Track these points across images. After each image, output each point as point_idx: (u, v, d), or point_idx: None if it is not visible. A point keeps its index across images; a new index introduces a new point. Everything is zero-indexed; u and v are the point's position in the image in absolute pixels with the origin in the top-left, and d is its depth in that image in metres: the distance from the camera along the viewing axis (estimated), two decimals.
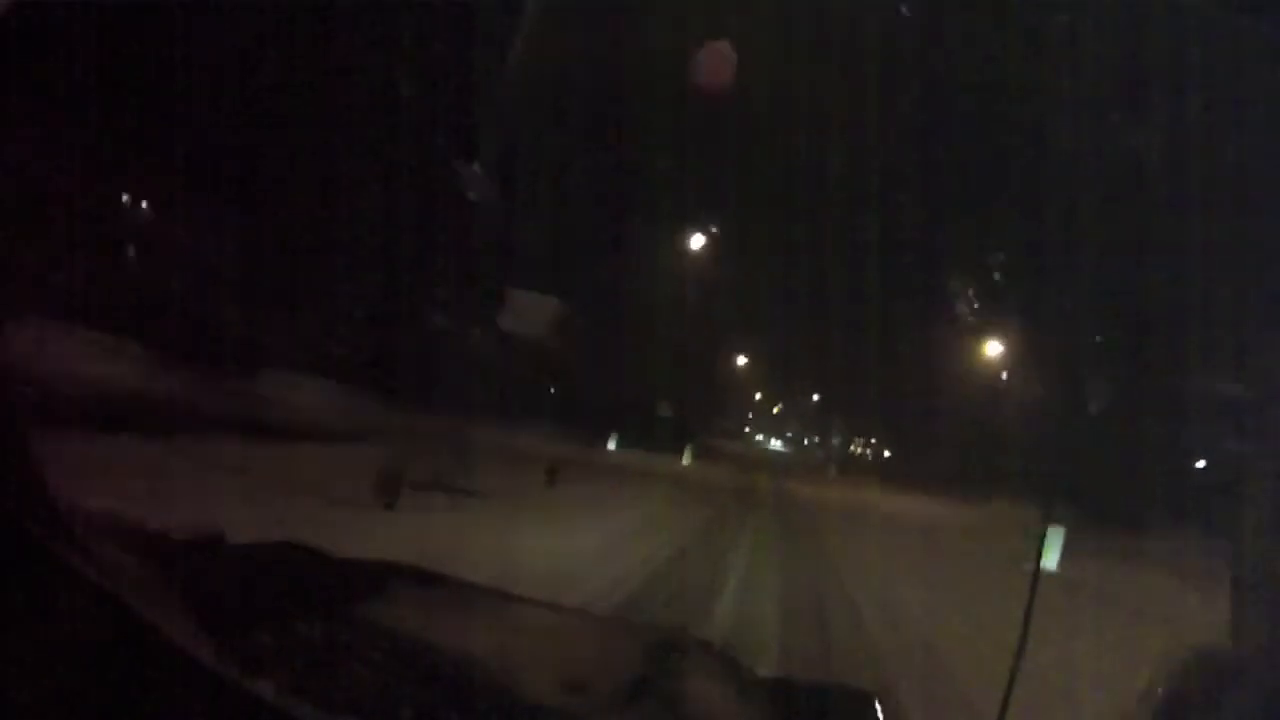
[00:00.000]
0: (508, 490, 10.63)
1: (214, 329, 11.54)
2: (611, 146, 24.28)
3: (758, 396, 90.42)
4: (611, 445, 24.47)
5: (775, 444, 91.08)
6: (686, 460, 26.57)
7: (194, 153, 10.91)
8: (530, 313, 23.60)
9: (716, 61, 12.24)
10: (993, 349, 34.52)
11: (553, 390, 28.62)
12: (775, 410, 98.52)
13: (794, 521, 16.26)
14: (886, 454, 53.92)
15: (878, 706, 1.70)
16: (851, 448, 62.65)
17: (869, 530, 16.61)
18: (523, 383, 23.26)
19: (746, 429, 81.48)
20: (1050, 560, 10.01)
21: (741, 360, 54.24)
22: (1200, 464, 16.85)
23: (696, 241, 29.26)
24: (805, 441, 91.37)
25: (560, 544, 8.03)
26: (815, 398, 75.16)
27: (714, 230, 31.41)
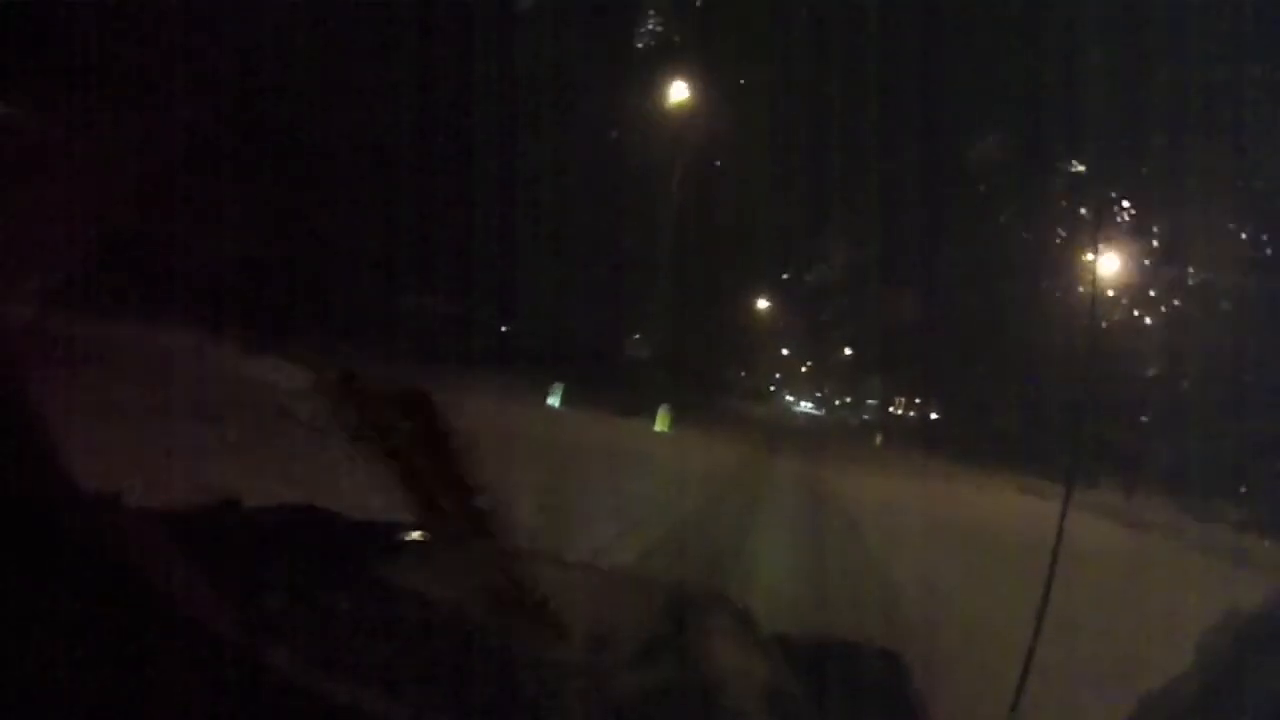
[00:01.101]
0: None
1: (219, 311, 10.84)
2: None
3: (785, 352, 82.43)
4: (552, 401, 16.59)
5: (806, 406, 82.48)
6: (660, 428, 17.33)
7: (198, 141, 10.63)
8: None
9: None
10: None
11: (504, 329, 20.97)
12: (804, 368, 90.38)
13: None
14: (934, 416, 45.50)
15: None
16: (891, 408, 53.95)
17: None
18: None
19: (773, 388, 73.19)
20: None
21: (763, 303, 45.97)
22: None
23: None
24: (837, 402, 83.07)
25: None
26: (848, 352, 66.74)
27: (724, 122, 23.24)
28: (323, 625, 1.13)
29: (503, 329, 19.83)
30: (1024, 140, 27.63)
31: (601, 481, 8.96)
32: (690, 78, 21.20)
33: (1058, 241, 29.95)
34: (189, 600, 0.89)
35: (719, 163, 24.29)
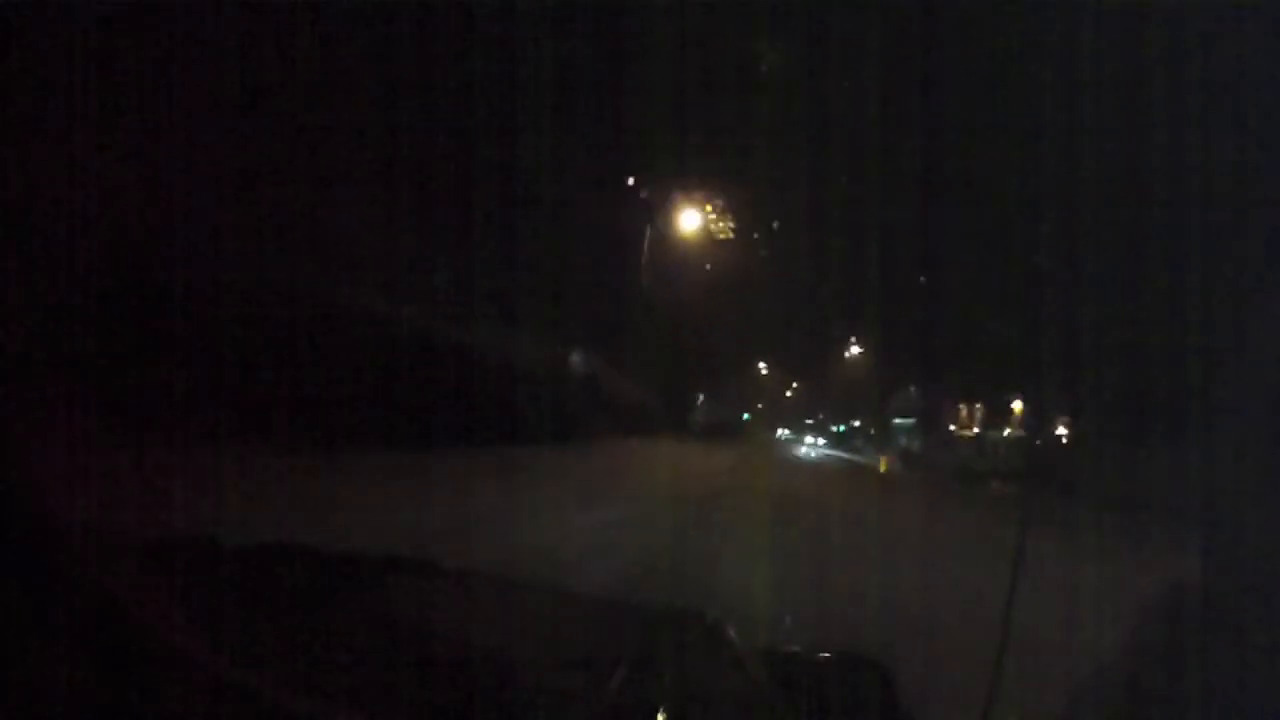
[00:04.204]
0: None
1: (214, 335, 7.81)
2: None
3: (763, 369, 60.04)
4: None
5: (817, 443, 56.40)
6: None
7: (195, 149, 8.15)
8: None
9: None
10: None
11: None
12: (789, 392, 68.08)
13: None
14: (1062, 432, 23.05)
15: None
16: (954, 427, 30.76)
17: None
18: None
19: (745, 415, 50.14)
20: None
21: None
22: None
23: None
24: (839, 428, 60.50)
25: None
26: (855, 350, 44.28)
27: None
28: (307, 653, 1.12)
29: None
30: None
31: None
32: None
33: None
34: (177, 630, 0.90)
35: None
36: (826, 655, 1.75)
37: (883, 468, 20.89)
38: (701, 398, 41.31)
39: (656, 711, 1.23)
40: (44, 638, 0.80)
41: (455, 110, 13.08)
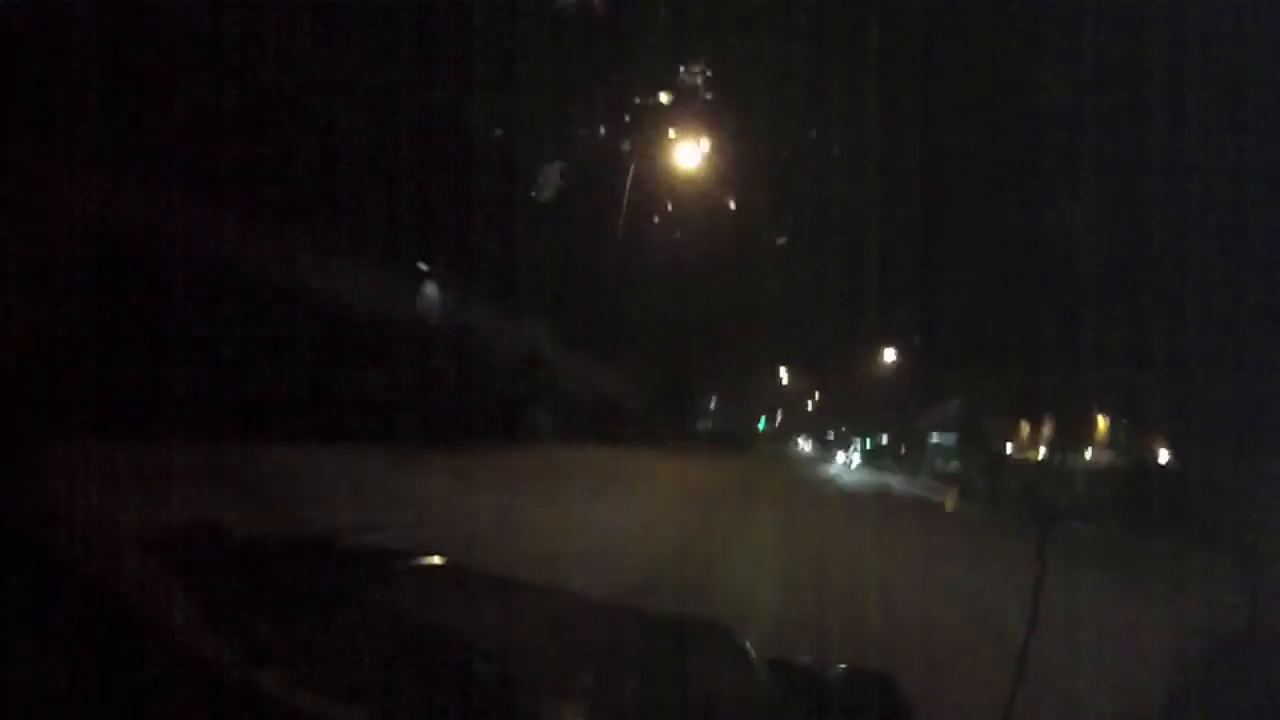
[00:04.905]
0: None
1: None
2: None
3: (784, 378, 54.84)
4: None
5: (850, 463, 46.50)
6: None
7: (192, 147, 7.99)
8: None
9: None
10: None
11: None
12: (810, 403, 62.76)
13: None
14: (1162, 459, 17.80)
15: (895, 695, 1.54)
16: (1009, 445, 25.42)
17: None
18: None
19: (762, 422, 44.83)
20: None
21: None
22: None
23: None
24: (869, 443, 55.07)
25: None
26: (891, 356, 38.98)
27: None
28: (314, 649, 1.10)
29: None
30: None
31: None
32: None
33: None
34: (181, 624, 0.89)
35: None
36: (837, 668, 1.71)
37: (949, 504, 15.74)
38: (714, 400, 36.44)
39: (672, 716, 1.21)
40: (46, 634, 0.78)
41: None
